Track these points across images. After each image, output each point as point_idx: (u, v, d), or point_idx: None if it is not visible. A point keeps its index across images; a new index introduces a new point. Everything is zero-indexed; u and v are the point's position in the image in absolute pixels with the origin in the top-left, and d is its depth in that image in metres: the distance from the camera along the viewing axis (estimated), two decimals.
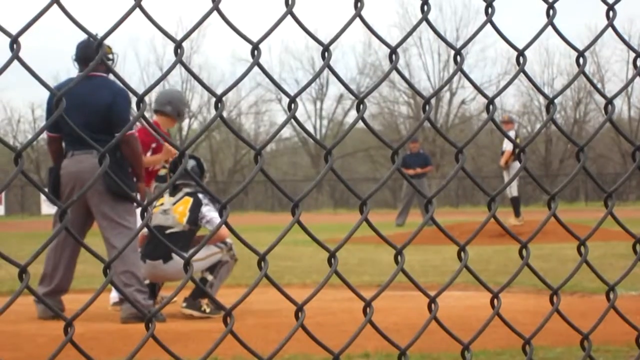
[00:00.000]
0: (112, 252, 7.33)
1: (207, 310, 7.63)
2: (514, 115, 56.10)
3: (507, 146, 19.23)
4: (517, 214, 19.44)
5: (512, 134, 19.36)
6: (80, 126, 7.06)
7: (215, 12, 1.90)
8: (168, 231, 7.68)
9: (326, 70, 2.05)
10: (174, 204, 7.86)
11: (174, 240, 7.62)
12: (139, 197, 7.44)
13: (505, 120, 20.22)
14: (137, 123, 8.16)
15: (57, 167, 7.50)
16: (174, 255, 7.65)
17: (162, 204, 7.91)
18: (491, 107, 2.25)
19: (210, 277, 7.69)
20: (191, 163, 8.16)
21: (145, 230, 7.60)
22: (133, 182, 7.44)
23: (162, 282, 8.00)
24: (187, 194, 7.89)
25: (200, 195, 7.89)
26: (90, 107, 7.27)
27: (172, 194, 7.95)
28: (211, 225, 7.82)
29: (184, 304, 7.67)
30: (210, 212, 7.80)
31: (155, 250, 7.65)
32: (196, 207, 7.81)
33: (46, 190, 1.94)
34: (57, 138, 7.53)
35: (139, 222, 7.33)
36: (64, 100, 1.74)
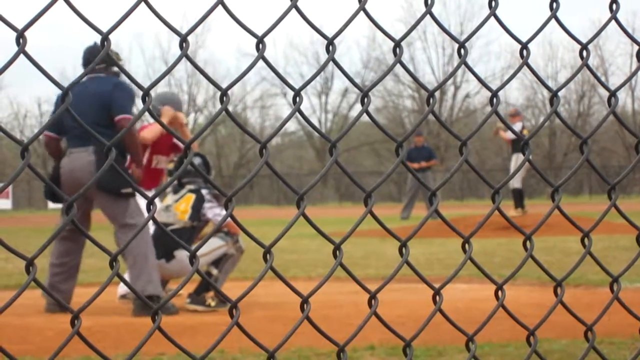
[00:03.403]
0: (125, 253, 7.32)
1: (212, 304, 7.64)
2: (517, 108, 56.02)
3: (510, 135, 19.25)
4: (517, 205, 19.46)
5: (518, 125, 19.34)
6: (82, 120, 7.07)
7: (220, 7, 1.91)
8: (169, 228, 7.68)
9: (331, 65, 2.06)
10: (177, 201, 7.86)
11: (176, 236, 7.63)
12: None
13: (512, 114, 20.16)
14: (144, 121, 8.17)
15: (58, 166, 7.55)
16: (176, 253, 7.66)
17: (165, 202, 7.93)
18: (495, 99, 2.26)
19: (215, 272, 7.68)
20: (197, 160, 8.10)
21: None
22: (128, 179, 7.38)
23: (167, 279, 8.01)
24: (190, 191, 7.88)
25: (204, 192, 7.88)
26: (93, 101, 7.29)
27: (176, 191, 7.95)
28: (214, 222, 7.83)
29: (188, 300, 7.67)
30: (212, 210, 7.80)
31: (157, 250, 7.63)
32: (198, 203, 7.80)
33: (52, 184, 1.95)
34: (54, 139, 7.56)
35: (146, 215, 7.33)
36: (70, 94, 1.75)
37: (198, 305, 7.62)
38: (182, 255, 7.58)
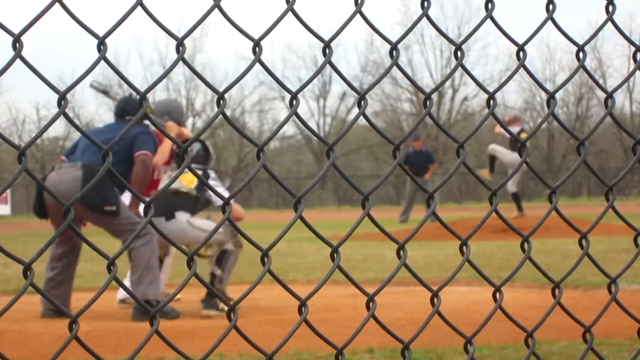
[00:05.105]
0: (131, 254, 7.32)
1: (226, 308, 7.59)
2: (517, 112, 56.07)
3: (507, 136, 19.37)
4: (519, 208, 19.48)
5: (516, 129, 19.41)
6: (99, 153, 7.15)
7: (217, 10, 1.91)
8: (174, 190, 7.74)
9: (329, 68, 2.06)
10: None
11: (180, 199, 7.74)
12: (127, 209, 7.46)
13: (511, 119, 20.27)
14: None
15: (44, 178, 7.56)
16: (177, 214, 7.71)
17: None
18: (492, 102, 2.26)
19: (218, 272, 7.65)
20: (196, 147, 8.17)
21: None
22: (114, 196, 7.38)
23: (162, 253, 7.97)
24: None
25: (209, 171, 8.05)
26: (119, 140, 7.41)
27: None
28: (215, 202, 7.97)
29: (202, 305, 7.57)
30: (216, 188, 7.84)
31: (158, 209, 7.54)
32: (205, 177, 7.88)
33: (48, 189, 1.95)
34: None
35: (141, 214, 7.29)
36: (67, 98, 1.75)
37: (211, 310, 7.52)
38: (182, 218, 7.67)
